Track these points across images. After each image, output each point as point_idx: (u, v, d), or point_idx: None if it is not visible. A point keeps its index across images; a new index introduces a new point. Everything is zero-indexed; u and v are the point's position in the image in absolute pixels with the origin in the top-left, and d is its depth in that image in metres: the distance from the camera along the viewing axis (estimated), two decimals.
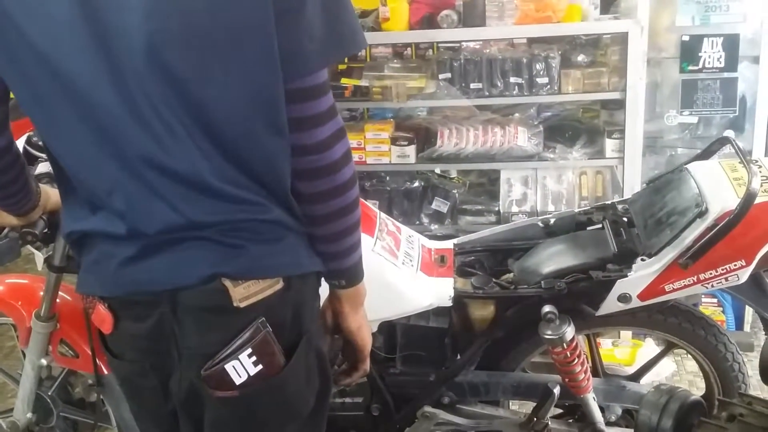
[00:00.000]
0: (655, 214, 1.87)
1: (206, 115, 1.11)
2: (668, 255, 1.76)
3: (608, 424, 2.03)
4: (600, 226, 2.00)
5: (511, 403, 2.23)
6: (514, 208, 3.10)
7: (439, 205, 3.17)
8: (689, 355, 2.09)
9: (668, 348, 2.14)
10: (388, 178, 3.23)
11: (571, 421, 2.10)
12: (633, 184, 2.90)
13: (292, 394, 1.27)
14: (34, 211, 1.62)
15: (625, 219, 1.97)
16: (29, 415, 2.18)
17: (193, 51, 1.07)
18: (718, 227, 1.69)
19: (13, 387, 2.33)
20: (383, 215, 2.09)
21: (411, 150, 3.10)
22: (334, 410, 2.06)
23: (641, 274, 1.79)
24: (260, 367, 1.20)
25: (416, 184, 3.20)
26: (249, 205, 1.17)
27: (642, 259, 1.80)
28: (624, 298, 1.81)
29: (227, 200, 1.16)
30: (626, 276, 1.80)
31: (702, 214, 1.72)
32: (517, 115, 3.07)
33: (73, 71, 1.08)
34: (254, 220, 1.18)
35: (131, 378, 1.32)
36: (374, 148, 3.13)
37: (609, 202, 2.07)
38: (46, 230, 1.74)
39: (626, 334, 2.98)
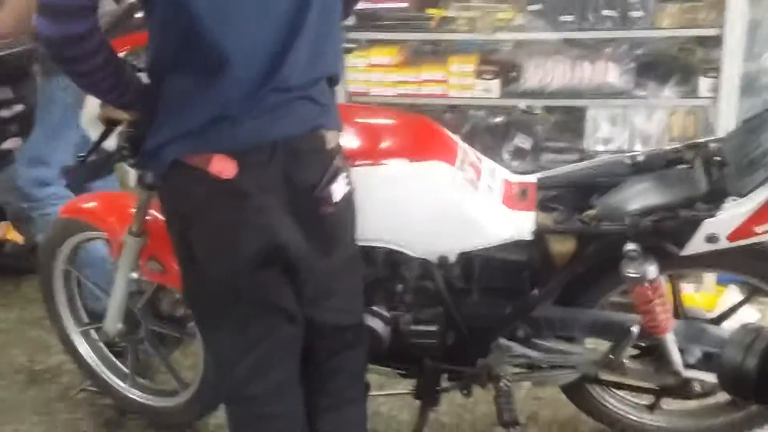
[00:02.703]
0: (749, 154, 1.80)
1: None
2: (761, 195, 1.69)
3: (687, 366, 2.00)
4: (690, 164, 1.94)
5: (586, 342, 2.22)
6: (600, 147, 3.03)
7: (522, 141, 3.12)
8: None
9: (752, 294, 2.08)
10: (470, 111, 3.18)
11: (647, 360, 2.07)
12: (727, 125, 2.78)
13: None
14: (135, 107, 1.67)
15: (717, 158, 1.90)
16: (119, 325, 2.30)
17: None
18: None
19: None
20: (465, 146, 2.07)
21: (495, 84, 3.05)
22: (409, 337, 2.10)
23: (732, 214, 1.73)
24: (348, 187, 1.69)
25: (499, 119, 3.16)
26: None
27: (733, 199, 1.74)
28: (712, 238, 1.75)
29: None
30: (715, 215, 1.74)
31: None
32: (608, 50, 2.96)
33: None
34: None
35: (248, 214, 1.55)
36: (458, 81, 3.09)
37: (701, 140, 1.99)
38: (123, 146, 1.78)
39: (709, 280, 2.92)
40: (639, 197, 1.89)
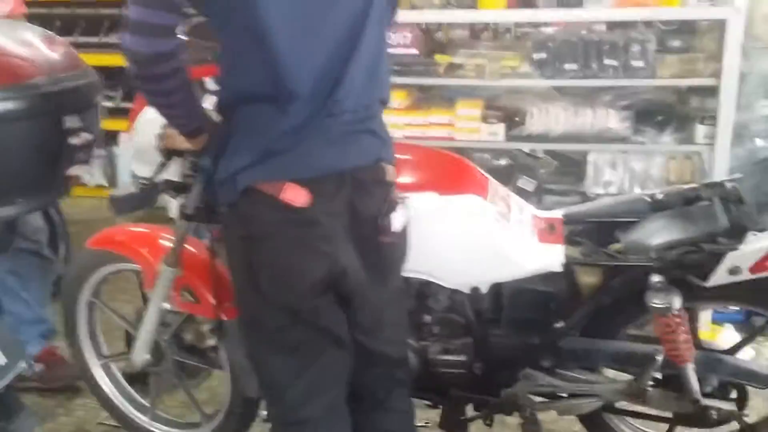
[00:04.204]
0: (767, 192, 1.93)
1: None
2: None
3: (704, 395, 2.09)
4: (708, 202, 2.06)
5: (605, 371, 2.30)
6: (600, 190, 3.16)
7: (525, 183, 3.24)
8: None
9: (766, 326, 2.20)
10: (476, 154, 3.30)
11: (667, 389, 2.16)
12: (722, 171, 2.94)
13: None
14: (201, 135, 1.75)
15: (734, 196, 2.03)
16: (146, 356, 2.32)
17: None
18: None
19: (127, 329, 2.48)
20: (495, 182, 2.17)
21: (500, 128, 3.18)
22: (436, 367, 2.17)
23: (754, 248, 1.85)
24: (405, 218, 1.77)
25: (503, 161, 3.28)
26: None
27: (754, 234, 1.87)
28: (735, 270, 1.87)
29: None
30: (738, 249, 1.86)
31: None
32: (608, 97, 3.12)
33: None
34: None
35: (315, 241, 1.63)
36: (464, 124, 3.22)
37: (718, 180, 2.12)
38: (190, 175, 1.84)
39: (705, 319, 3.04)
40: (662, 232, 2.00)
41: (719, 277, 1.90)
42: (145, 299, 2.31)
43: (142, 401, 2.57)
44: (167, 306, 2.23)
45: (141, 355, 2.31)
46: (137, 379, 2.53)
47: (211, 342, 2.35)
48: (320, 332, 1.71)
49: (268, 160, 1.58)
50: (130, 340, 2.48)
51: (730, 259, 1.87)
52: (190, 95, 1.63)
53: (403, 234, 1.79)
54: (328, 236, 1.63)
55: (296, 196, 1.58)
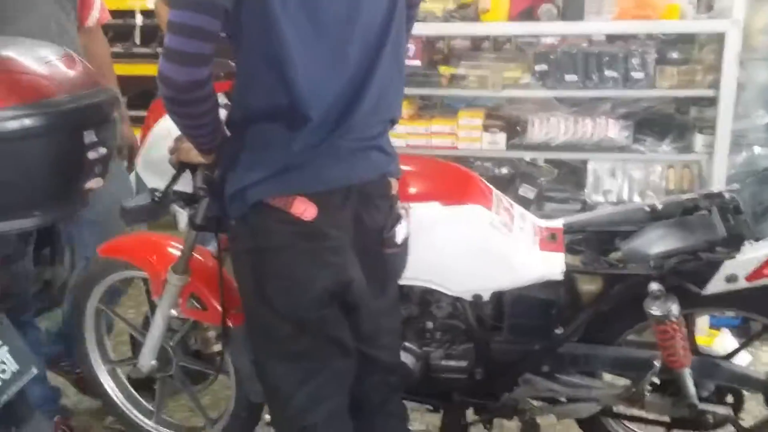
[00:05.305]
0: (764, 202, 1.98)
1: None
2: None
3: (701, 399, 2.13)
4: (706, 211, 2.10)
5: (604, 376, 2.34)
6: (600, 198, 3.21)
7: (526, 191, 3.28)
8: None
9: (762, 332, 2.23)
10: (477, 163, 3.35)
11: (664, 394, 2.20)
12: (720, 179, 2.98)
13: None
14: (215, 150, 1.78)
15: (732, 206, 2.07)
16: (153, 362, 2.36)
17: None
18: None
19: (132, 335, 2.52)
20: (498, 192, 2.22)
21: (502, 137, 3.23)
22: (438, 372, 2.21)
23: (750, 256, 1.90)
24: (407, 231, 1.84)
25: (505, 170, 3.33)
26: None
27: (750, 243, 1.91)
28: (732, 278, 1.92)
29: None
30: (735, 257, 1.91)
31: None
32: (608, 107, 3.16)
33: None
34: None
35: (324, 253, 1.67)
36: (466, 134, 3.27)
37: (716, 190, 2.17)
38: (202, 187, 1.88)
39: (703, 324, 3.08)
40: (661, 241, 2.05)
41: (716, 285, 1.94)
42: (152, 306, 2.35)
43: (147, 406, 2.61)
44: (174, 313, 2.27)
45: (148, 360, 2.35)
46: (142, 383, 2.57)
47: (216, 348, 2.40)
48: (326, 341, 1.76)
49: (278, 176, 1.62)
50: (135, 345, 2.53)
51: (727, 268, 1.92)
52: (217, 117, 1.66)
53: (404, 245, 1.85)
54: (336, 248, 1.67)
55: (306, 209, 1.62)
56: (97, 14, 2.76)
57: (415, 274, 2.05)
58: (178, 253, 2.22)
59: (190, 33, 1.48)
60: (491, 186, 2.23)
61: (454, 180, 2.20)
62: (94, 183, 1.71)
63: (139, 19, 4.69)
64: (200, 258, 2.28)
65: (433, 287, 2.12)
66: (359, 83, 1.65)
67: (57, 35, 2.42)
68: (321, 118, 1.61)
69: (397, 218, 1.79)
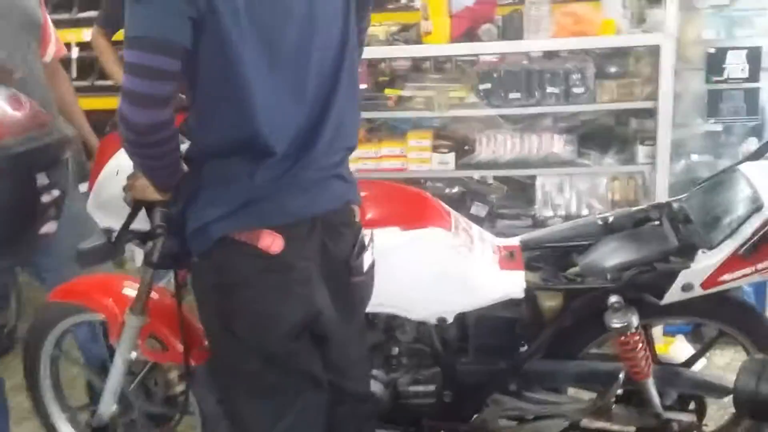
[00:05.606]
0: (712, 211, 2.03)
1: None
2: (728, 247, 1.93)
3: (665, 408, 2.18)
4: (658, 222, 2.16)
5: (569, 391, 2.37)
6: (549, 213, 3.26)
7: (478, 209, 3.32)
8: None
9: (717, 337, 2.30)
10: (428, 183, 3.38)
11: (629, 405, 2.24)
12: (662, 188, 3.07)
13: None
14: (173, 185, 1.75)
15: (682, 216, 2.13)
16: (114, 407, 2.29)
17: None
18: None
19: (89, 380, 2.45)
20: (456, 213, 2.24)
21: (451, 157, 3.26)
22: (407, 398, 2.21)
23: (704, 265, 1.95)
24: (372, 258, 1.84)
25: (455, 189, 3.36)
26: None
27: (703, 252, 1.97)
28: (687, 287, 1.97)
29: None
30: (689, 267, 1.96)
31: (759, 209, 1.89)
32: (551, 122, 3.23)
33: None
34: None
35: (292, 285, 1.65)
36: (416, 155, 3.29)
37: (664, 201, 2.23)
38: (161, 225, 1.84)
39: (657, 333, 3.15)
40: (616, 254, 2.10)
41: (673, 294, 1.99)
42: (110, 350, 2.29)
43: None
44: (134, 355, 2.22)
45: (108, 406, 2.28)
46: (104, 430, 2.50)
47: (179, 388, 2.34)
48: (297, 374, 1.74)
49: (242, 210, 1.60)
50: (93, 391, 2.46)
51: (683, 277, 1.97)
52: (178, 156, 1.64)
53: (370, 272, 1.85)
54: (303, 279, 1.66)
55: (273, 242, 1.61)
56: (54, 48, 2.70)
57: (379, 300, 2.04)
58: (134, 293, 2.17)
59: (150, 74, 1.44)
60: (449, 208, 2.24)
61: (411, 203, 2.22)
62: (47, 228, 1.67)
63: (74, 52, 4.60)
64: (157, 296, 2.23)
65: (398, 313, 2.12)
66: (319, 113, 1.65)
67: (26, 69, 2.36)
68: (284, 151, 1.60)
69: (363, 246, 1.79)
